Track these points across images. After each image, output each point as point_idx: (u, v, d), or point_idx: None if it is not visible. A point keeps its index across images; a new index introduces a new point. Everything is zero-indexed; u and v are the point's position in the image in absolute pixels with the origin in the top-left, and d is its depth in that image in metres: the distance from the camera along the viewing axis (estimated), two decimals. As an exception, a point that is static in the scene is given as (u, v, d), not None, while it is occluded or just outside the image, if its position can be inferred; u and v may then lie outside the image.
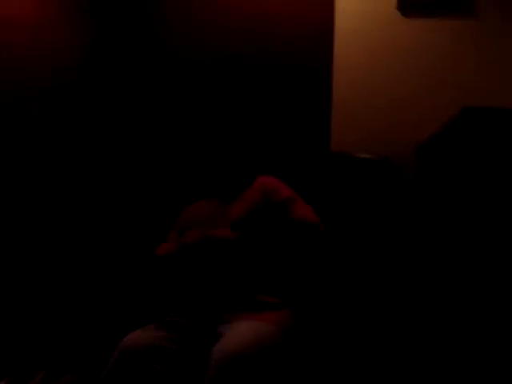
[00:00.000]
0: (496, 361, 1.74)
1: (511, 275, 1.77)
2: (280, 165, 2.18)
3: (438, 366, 1.80)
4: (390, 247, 1.99)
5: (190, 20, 2.39)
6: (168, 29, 2.41)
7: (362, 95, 2.23)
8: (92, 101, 2.44)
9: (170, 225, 2.08)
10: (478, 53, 2.14)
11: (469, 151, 1.86)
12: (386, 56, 2.21)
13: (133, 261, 2.33)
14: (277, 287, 1.85)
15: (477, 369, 1.75)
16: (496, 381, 1.73)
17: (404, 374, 1.83)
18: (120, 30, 2.45)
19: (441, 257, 1.85)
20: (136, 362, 1.62)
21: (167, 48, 2.42)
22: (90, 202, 2.41)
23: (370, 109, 2.23)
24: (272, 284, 1.85)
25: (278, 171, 2.07)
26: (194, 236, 1.86)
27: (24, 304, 2.27)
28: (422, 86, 2.18)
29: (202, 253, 1.85)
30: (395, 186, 2.06)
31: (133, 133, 2.44)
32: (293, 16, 2.27)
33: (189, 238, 1.87)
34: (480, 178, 1.84)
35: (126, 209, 2.40)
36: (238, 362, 1.50)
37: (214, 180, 2.04)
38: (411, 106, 2.19)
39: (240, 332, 1.60)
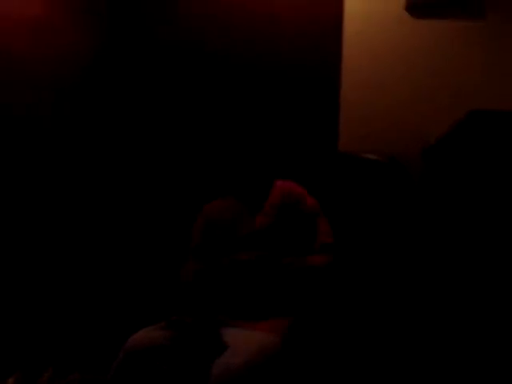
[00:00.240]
0: (496, 360, 1.75)
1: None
2: (289, 164, 2.19)
3: (438, 365, 1.81)
4: (395, 247, 2.00)
5: (204, 21, 2.39)
6: (176, 30, 2.41)
7: (369, 96, 2.23)
8: (103, 100, 2.45)
9: (183, 224, 2.08)
10: (485, 54, 2.14)
11: (475, 154, 1.87)
12: (394, 57, 2.21)
13: (141, 260, 2.35)
14: (284, 300, 1.83)
15: (477, 369, 1.76)
16: (496, 381, 1.74)
17: (405, 375, 1.84)
18: (127, 32, 2.45)
19: (446, 258, 1.85)
20: (141, 362, 1.63)
21: (176, 49, 2.42)
22: (102, 201, 2.42)
23: (377, 109, 2.23)
24: (281, 298, 1.83)
25: (287, 170, 2.09)
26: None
27: (32, 302, 2.28)
28: (429, 87, 2.18)
29: (228, 275, 1.84)
30: (402, 186, 2.06)
31: (144, 132, 2.45)
32: (302, 17, 2.27)
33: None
34: (486, 181, 1.85)
35: (136, 207, 2.42)
36: (241, 377, 1.50)
37: (226, 178, 2.03)
38: (417, 106, 2.19)
39: (243, 344, 1.60)
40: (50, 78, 2.35)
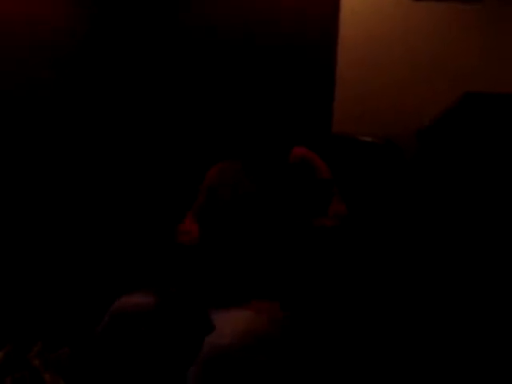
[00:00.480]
0: (496, 360, 1.77)
1: (507, 259, 1.80)
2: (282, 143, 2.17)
3: (435, 363, 1.82)
4: (391, 230, 2.00)
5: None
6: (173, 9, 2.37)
7: (365, 76, 2.22)
8: (103, 72, 2.40)
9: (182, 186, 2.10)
10: (483, 37, 2.14)
11: (470, 136, 1.87)
12: (391, 37, 2.20)
13: (132, 226, 2.34)
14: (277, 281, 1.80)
15: (477, 369, 1.77)
16: (496, 381, 1.75)
17: (400, 371, 1.85)
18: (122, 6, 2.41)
19: (441, 242, 1.86)
20: (127, 326, 1.63)
21: (174, 32, 2.38)
22: (102, 163, 2.40)
23: (373, 89, 2.22)
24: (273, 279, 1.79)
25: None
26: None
27: (20, 276, 2.27)
28: (426, 68, 2.18)
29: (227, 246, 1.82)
30: (398, 169, 2.05)
31: (147, 104, 2.43)
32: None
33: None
34: (480, 163, 1.85)
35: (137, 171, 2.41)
36: (228, 356, 1.46)
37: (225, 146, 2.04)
38: (414, 88, 2.19)
39: (230, 325, 1.55)
40: (44, 51, 2.31)
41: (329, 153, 2.09)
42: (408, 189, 2.01)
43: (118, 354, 1.65)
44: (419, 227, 1.93)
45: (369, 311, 1.89)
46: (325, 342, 1.74)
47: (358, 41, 2.22)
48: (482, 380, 1.75)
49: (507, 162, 1.83)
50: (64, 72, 2.35)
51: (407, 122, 2.13)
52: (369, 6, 2.20)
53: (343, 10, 2.21)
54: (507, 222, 1.82)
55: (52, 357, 2.00)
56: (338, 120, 2.24)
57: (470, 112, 1.88)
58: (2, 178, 2.27)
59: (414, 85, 2.19)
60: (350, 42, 2.22)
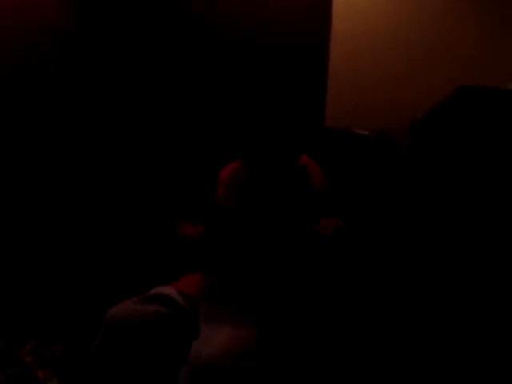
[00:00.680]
0: (496, 360, 1.75)
1: (503, 250, 1.79)
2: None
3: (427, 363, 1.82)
4: (387, 226, 1.98)
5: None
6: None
7: (358, 69, 2.19)
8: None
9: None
10: (478, 27, 2.10)
11: (463, 130, 1.85)
12: (385, 30, 2.16)
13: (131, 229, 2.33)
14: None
15: (477, 369, 1.76)
16: (496, 381, 1.75)
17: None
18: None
19: (435, 240, 1.85)
20: (122, 336, 1.63)
21: (172, 29, 2.36)
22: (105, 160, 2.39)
23: (366, 83, 2.20)
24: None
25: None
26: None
27: (13, 274, 2.26)
28: (421, 61, 2.15)
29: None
30: (393, 162, 2.02)
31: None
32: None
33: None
34: (473, 157, 1.83)
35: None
36: (210, 368, 1.48)
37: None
38: (409, 81, 2.17)
39: (215, 333, 1.57)
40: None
41: (322, 147, 2.07)
42: (402, 182, 1.99)
43: (113, 363, 1.64)
44: (413, 221, 1.91)
45: (363, 308, 1.88)
46: (313, 346, 1.72)
47: (351, 33, 2.18)
48: (482, 380, 1.75)
49: (500, 156, 1.81)
50: (60, 71, 2.33)
51: (402, 115, 2.10)
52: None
53: (336, 1, 2.18)
54: (501, 215, 1.81)
55: (45, 354, 2.00)
56: (331, 114, 2.21)
57: (464, 106, 1.85)
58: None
59: (409, 77, 2.16)
60: (343, 34, 2.19)
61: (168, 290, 1.77)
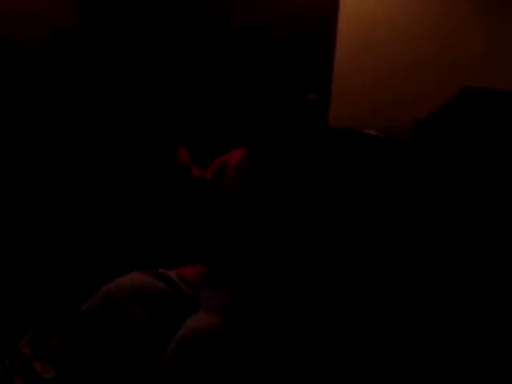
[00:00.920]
0: (496, 360, 1.76)
1: (505, 250, 1.79)
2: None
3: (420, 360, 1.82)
4: (389, 226, 1.98)
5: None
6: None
7: (363, 69, 2.21)
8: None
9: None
10: (483, 26, 2.11)
11: (466, 132, 1.85)
12: (390, 28, 2.18)
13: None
14: None
15: (477, 369, 1.76)
16: (496, 381, 1.75)
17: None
18: None
19: (438, 241, 1.85)
20: (120, 304, 1.52)
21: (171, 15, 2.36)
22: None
23: (371, 83, 2.21)
24: None
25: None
26: None
27: (12, 264, 2.25)
28: (426, 60, 2.16)
29: None
30: (400, 165, 2.02)
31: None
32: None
33: None
34: (476, 159, 1.84)
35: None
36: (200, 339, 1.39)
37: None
38: (413, 80, 2.18)
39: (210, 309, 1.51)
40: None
41: (325, 146, 2.07)
42: (406, 183, 1.99)
43: (106, 333, 1.53)
44: (417, 221, 1.92)
45: (362, 306, 1.87)
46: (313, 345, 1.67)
47: (356, 33, 2.20)
48: (482, 380, 1.75)
49: (504, 157, 1.82)
50: (60, 69, 2.33)
51: (405, 114, 2.11)
52: (368, -1, 2.18)
53: (342, 1, 2.19)
54: (504, 217, 1.81)
55: (43, 346, 1.99)
56: (335, 113, 2.22)
57: (469, 107, 1.86)
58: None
59: (414, 78, 2.17)
60: (349, 33, 2.20)
61: (173, 275, 1.70)
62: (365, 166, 2.01)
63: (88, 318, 1.54)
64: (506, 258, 1.78)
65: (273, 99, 1.87)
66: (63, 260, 2.31)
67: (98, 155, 2.34)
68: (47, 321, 2.16)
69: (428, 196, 1.91)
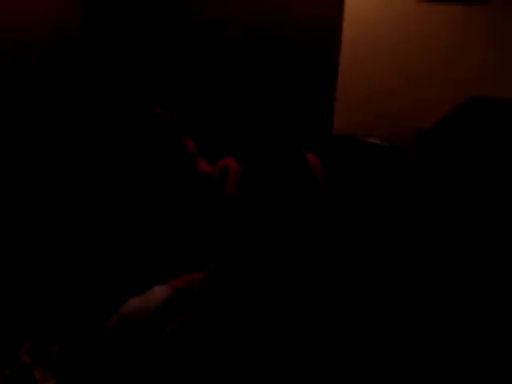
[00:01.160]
0: (496, 360, 1.75)
1: (507, 260, 1.79)
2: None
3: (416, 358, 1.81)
4: (392, 233, 1.97)
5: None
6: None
7: (367, 77, 2.20)
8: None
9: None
10: (488, 39, 2.10)
11: (472, 140, 1.85)
12: (394, 38, 2.17)
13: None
14: None
15: (476, 369, 1.76)
16: (496, 381, 1.74)
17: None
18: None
19: (441, 248, 1.84)
20: (136, 331, 1.55)
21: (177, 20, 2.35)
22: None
23: (375, 91, 2.20)
24: None
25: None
26: None
27: (12, 272, 2.24)
28: (429, 69, 2.15)
29: None
30: (403, 173, 2.01)
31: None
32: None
33: None
34: (480, 168, 1.83)
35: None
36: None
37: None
38: (417, 89, 2.17)
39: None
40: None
41: (329, 154, 2.06)
42: (410, 191, 1.99)
43: (120, 356, 1.57)
44: (420, 228, 1.91)
45: (362, 305, 1.87)
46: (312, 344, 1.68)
47: (360, 42, 2.19)
48: (482, 380, 1.74)
49: (509, 167, 1.81)
50: (59, 68, 2.32)
51: (410, 122, 2.10)
52: (373, 6, 2.17)
53: (347, 8, 2.19)
54: (508, 225, 1.80)
55: (43, 354, 1.98)
56: (339, 120, 2.21)
57: (473, 116, 1.85)
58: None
59: (418, 86, 2.16)
60: (353, 42, 2.19)
61: (165, 293, 1.71)
62: (367, 176, 2.01)
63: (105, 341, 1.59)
64: (508, 265, 1.78)
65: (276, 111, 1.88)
66: (63, 268, 2.30)
67: (104, 151, 2.34)
68: (47, 329, 2.15)
69: (432, 204, 1.90)
